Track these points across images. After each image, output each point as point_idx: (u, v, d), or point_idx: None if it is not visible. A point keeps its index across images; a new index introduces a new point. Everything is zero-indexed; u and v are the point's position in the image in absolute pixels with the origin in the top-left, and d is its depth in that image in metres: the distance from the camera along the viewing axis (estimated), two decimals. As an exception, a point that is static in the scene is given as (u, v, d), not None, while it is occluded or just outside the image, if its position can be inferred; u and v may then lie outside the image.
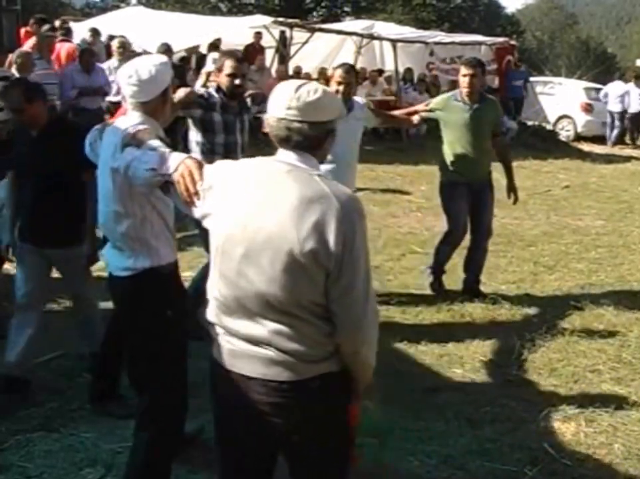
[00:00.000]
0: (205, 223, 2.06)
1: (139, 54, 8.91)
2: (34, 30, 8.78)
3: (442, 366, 4.39)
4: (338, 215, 1.85)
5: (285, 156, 1.96)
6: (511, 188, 5.47)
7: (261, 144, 4.00)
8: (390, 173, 10.15)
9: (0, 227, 3.99)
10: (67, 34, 9.71)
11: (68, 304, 4.93)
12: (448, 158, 5.31)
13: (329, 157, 4.59)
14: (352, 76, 4.71)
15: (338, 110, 2.02)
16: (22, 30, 9.47)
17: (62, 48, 9.28)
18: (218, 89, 4.45)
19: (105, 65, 8.83)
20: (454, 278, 5.66)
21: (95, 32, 10.24)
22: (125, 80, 2.62)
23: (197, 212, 2.08)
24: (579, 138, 16.80)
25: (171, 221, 2.81)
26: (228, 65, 4.32)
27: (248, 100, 4.69)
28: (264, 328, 1.95)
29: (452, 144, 5.29)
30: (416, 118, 5.46)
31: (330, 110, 1.98)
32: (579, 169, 12.67)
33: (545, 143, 15.02)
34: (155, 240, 2.72)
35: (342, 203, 1.87)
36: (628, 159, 14.30)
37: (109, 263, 2.85)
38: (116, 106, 8.47)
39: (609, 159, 13.97)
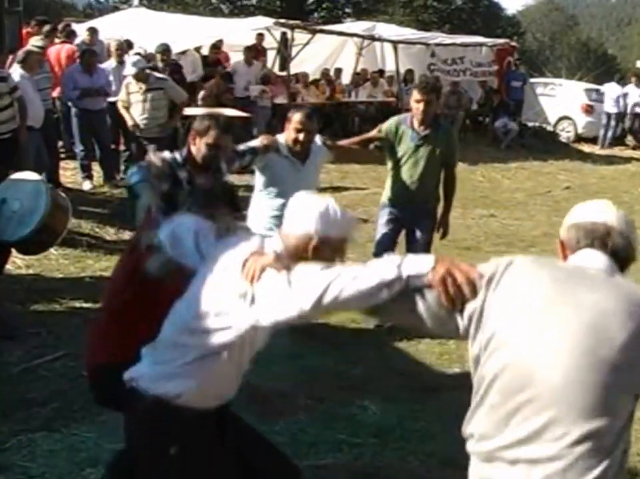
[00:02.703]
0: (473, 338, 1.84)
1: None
2: (35, 32, 8.79)
3: (443, 365, 4.39)
4: None
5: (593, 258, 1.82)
6: (443, 222, 5.09)
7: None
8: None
9: (4, 225, 3.98)
10: (69, 36, 9.71)
11: (69, 304, 4.95)
12: (390, 180, 5.02)
13: (280, 204, 4.12)
14: (314, 121, 4.32)
15: None
16: (25, 32, 9.47)
17: (62, 50, 9.29)
18: (186, 160, 3.21)
19: (103, 66, 8.82)
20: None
21: (93, 32, 10.21)
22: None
23: (459, 322, 1.85)
24: (579, 139, 16.81)
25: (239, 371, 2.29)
26: (212, 135, 3.14)
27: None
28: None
29: (394, 169, 4.96)
30: (372, 147, 5.02)
31: None
32: (580, 170, 12.68)
33: (545, 144, 15.04)
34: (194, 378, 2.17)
35: None
36: (628, 160, 14.32)
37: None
38: (114, 106, 8.47)
39: (610, 160, 13.98)
